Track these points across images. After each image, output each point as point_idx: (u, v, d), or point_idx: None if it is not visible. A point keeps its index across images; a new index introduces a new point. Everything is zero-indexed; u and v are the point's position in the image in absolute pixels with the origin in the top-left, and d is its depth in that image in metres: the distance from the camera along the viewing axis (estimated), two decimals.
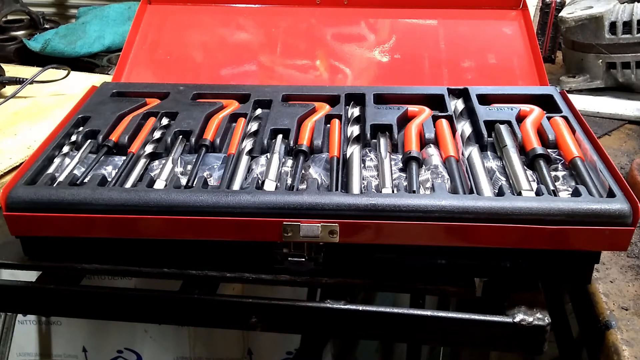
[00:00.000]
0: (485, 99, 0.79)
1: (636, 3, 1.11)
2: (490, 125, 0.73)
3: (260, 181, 0.64)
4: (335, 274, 0.65)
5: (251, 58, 0.95)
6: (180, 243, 0.64)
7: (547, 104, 0.78)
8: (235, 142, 0.72)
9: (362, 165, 0.68)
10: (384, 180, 0.64)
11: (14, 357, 1.63)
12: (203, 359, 1.62)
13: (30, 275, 0.70)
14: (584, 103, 1.11)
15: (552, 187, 0.61)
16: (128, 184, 0.65)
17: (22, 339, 1.62)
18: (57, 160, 0.69)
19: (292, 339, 1.55)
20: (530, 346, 0.60)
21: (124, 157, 0.70)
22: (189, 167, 0.69)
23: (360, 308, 0.62)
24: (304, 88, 0.85)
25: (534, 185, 0.62)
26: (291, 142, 0.71)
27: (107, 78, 1.04)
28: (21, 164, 0.66)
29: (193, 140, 0.72)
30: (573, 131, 0.71)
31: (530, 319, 0.59)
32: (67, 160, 0.69)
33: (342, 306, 0.62)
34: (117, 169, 0.68)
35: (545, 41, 1.30)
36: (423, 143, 0.72)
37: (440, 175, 0.65)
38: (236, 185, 0.64)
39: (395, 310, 0.62)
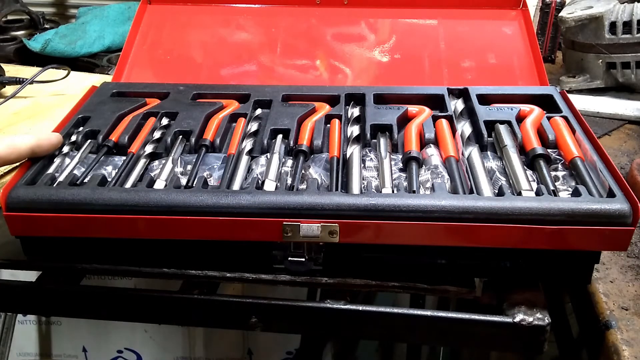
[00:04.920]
0: (485, 99, 0.79)
1: (636, 3, 1.11)
2: (490, 125, 0.73)
3: (260, 181, 0.64)
4: (335, 274, 0.65)
5: (251, 58, 0.95)
6: (180, 243, 0.64)
7: (547, 104, 0.78)
8: (235, 142, 0.72)
9: (362, 165, 0.68)
10: (384, 180, 0.64)
11: (14, 357, 1.64)
12: (203, 359, 1.62)
13: (30, 275, 0.70)
14: (584, 103, 1.11)
15: (552, 187, 0.61)
16: (128, 184, 0.65)
17: (22, 339, 1.62)
18: (57, 160, 0.69)
19: (292, 339, 1.55)
20: (530, 346, 0.60)
21: (124, 157, 0.70)
22: (189, 167, 0.69)
23: (360, 308, 0.62)
24: (304, 88, 0.85)
25: (534, 185, 0.62)
26: (291, 142, 0.71)
27: (107, 78, 1.04)
28: (21, 164, 0.66)
29: (193, 140, 0.72)
30: (573, 131, 0.71)
31: (530, 319, 0.59)
32: (67, 160, 0.69)
33: (342, 306, 0.62)
34: (117, 169, 0.68)
35: (545, 41, 1.30)
36: (423, 143, 0.72)
37: (440, 175, 0.65)
38: (236, 185, 0.64)
39: (395, 310, 0.62)
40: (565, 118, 0.73)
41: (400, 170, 0.67)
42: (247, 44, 0.97)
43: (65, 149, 0.71)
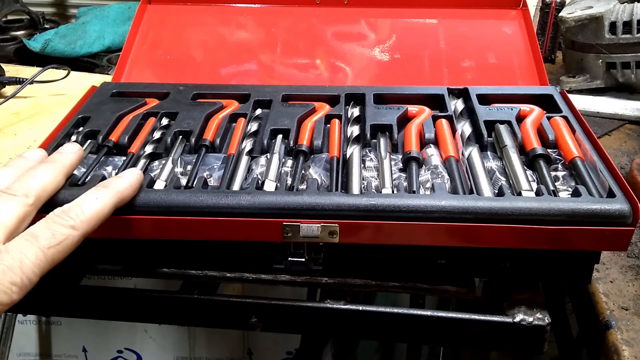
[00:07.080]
0: (485, 99, 0.79)
1: (636, 3, 1.11)
2: (490, 125, 0.73)
3: (260, 181, 0.64)
4: (335, 274, 0.65)
5: (251, 58, 0.95)
6: (180, 243, 0.64)
7: (547, 104, 0.78)
8: (235, 142, 0.72)
9: (362, 165, 0.68)
10: (384, 181, 0.64)
11: (14, 357, 1.64)
12: (203, 359, 1.63)
13: None
14: (584, 103, 1.11)
15: (552, 187, 0.61)
16: None
17: (22, 339, 1.63)
18: None
19: (292, 339, 1.56)
20: (530, 346, 0.60)
21: (124, 158, 0.70)
22: (189, 167, 0.69)
23: (360, 308, 0.62)
24: (304, 88, 0.85)
25: (534, 186, 0.62)
26: (291, 142, 0.71)
27: (107, 78, 1.04)
28: None
29: (193, 140, 0.72)
30: (573, 131, 0.71)
31: (530, 319, 0.59)
32: None
33: (342, 306, 0.62)
34: (117, 169, 0.68)
35: (545, 41, 1.30)
36: (423, 143, 0.72)
37: (440, 176, 0.65)
38: (236, 186, 0.64)
39: (395, 310, 0.62)
40: (565, 118, 0.73)
41: (400, 170, 0.67)
42: (247, 44, 0.97)
43: None
